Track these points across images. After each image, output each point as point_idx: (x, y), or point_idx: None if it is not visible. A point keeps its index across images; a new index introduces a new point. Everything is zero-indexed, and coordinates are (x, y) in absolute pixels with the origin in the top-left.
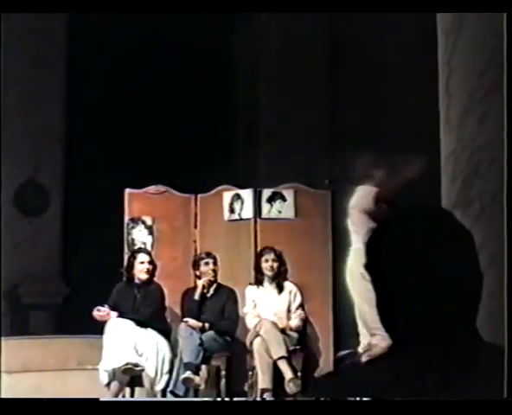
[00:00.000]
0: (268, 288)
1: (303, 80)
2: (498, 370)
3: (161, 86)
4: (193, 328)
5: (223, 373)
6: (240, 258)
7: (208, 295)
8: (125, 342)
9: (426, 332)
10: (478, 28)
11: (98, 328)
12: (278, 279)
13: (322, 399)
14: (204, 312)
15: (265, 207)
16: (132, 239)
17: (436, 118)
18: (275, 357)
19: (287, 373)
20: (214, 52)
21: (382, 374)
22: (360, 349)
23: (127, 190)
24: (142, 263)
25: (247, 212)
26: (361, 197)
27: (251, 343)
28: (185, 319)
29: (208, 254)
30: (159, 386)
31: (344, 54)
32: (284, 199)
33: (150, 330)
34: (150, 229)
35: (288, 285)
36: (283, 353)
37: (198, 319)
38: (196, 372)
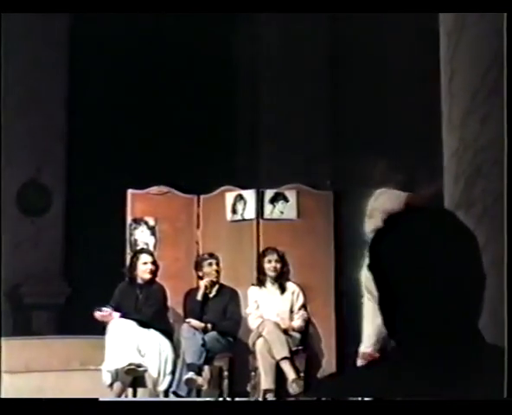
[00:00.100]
0: (271, 289)
1: (304, 80)
2: (498, 370)
3: (162, 87)
4: (195, 328)
5: (226, 373)
6: (243, 259)
7: (211, 295)
8: (128, 343)
9: (429, 333)
10: (481, 27)
11: (100, 328)
12: (281, 280)
13: (324, 399)
14: (206, 313)
15: (268, 207)
16: (135, 240)
17: (438, 118)
18: (278, 358)
19: (290, 374)
20: (214, 52)
21: (384, 375)
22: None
23: (130, 191)
24: (145, 263)
25: (250, 212)
26: (386, 200)
27: (253, 344)
28: (187, 320)
29: (211, 255)
30: (162, 387)
31: (345, 54)
32: (286, 199)
33: (152, 331)
34: (152, 230)
35: (290, 286)
36: (285, 353)
37: (200, 320)
38: (199, 372)
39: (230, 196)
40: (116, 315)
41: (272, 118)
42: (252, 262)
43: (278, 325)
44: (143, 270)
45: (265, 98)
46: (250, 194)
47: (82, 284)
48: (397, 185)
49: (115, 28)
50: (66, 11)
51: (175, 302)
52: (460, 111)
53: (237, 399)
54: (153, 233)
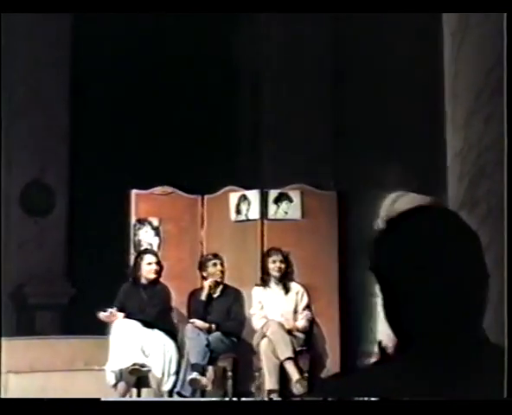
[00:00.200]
0: (275, 289)
1: (306, 80)
2: (499, 370)
3: (165, 87)
4: (199, 329)
5: (230, 374)
6: (247, 259)
7: (215, 296)
8: (132, 343)
9: (433, 333)
10: (485, 27)
11: (104, 328)
12: (285, 280)
13: (329, 399)
14: (211, 313)
15: (272, 207)
16: (139, 240)
17: (442, 118)
18: (282, 358)
19: (294, 374)
20: (216, 52)
21: (389, 374)
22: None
23: (134, 191)
24: (149, 264)
25: (254, 213)
26: (406, 203)
27: (257, 344)
28: (192, 320)
29: (215, 255)
30: (166, 387)
31: (347, 54)
32: (290, 200)
33: (156, 331)
34: (156, 230)
35: (295, 286)
36: (290, 354)
37: (205, 320)
38: (203, 373)
39: (234, 197)
40: (120, 315)
41: (275, 119)
42: (256, 262)
43: (282, 325)
44: (147, 270)
45: (268, 99)
46: (254, 195)
47: (86, 284)
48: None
49: (117, 28)
50: (66, 11)
51: (179, 302)
52: (464, 111)
53: (242, 399)
54: (157, 234)
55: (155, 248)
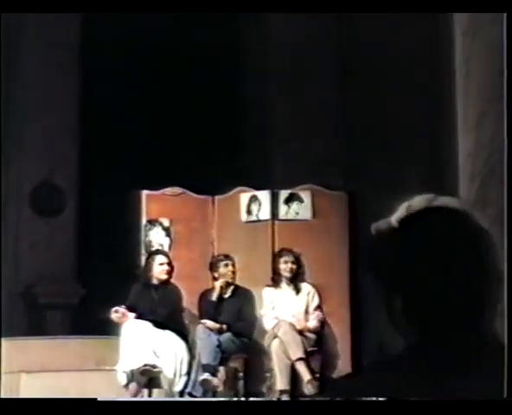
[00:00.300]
0: (286, 289)
1: (316, 80)
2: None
3: (176, 87)
4: (211, 329)
5: (241, 374)
6: (258, 260)
7: (226, 296)
8: (143, 344)
9: (441, 333)
10: (496, 27)
11: (114, 329)
12: (296, 281)
13: (338, 399)
14: (222, 314)
15: (283, 208)
16: (149, 241)
17: (453, 118)
18: (293, 358)
19: (305, 375)
20: (226, 53)
21: (399, 375)
22: None
23: (144, 192)
24: (161, 264)
25: (265, 213)
26: (418, 203)
27: (269, 345)
28: (203, 321)
29: (227, 256)
30: (177, 388)
31: (357, 54)
32: (301, 200)
33: (167, 332)
34: (167, 231)
35: (306, 287)
36: (301, 354)
37: (216, 321)
38: (214, 373)
39: (245, 197)
40: (131, 315)
41: (284, 119)
42: (267, 263)
43: (293, 326)
44: (159, 271)
45: (278, 99)
46: (265, 195)
47: (96, 284)
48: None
49: (127, 29)
50: (66, 11)
51: (190, 302)
52: (475, 112)
53: (251, 398)
54: (168, 234)
55: (166, 249)
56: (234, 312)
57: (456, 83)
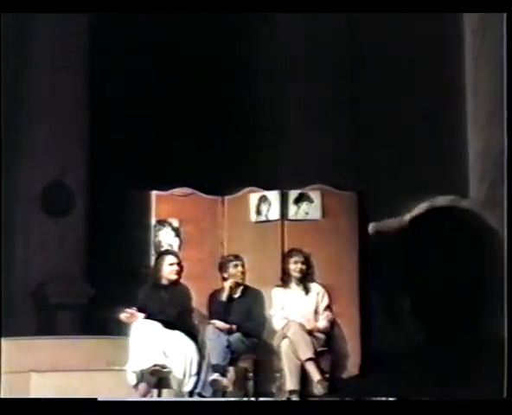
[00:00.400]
0: (295, 289)
1: (325, 81)
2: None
3: (185, 88)
4: (220, 330)
5: (250, 374)
6: (267, 260)
7: (235, 297)
8: (153, 344)
9: (450, 333)
10: (506, 26)
11: (124, 329)
12: (306, 281)
13: (348, 399)
14: (231, 314)
15: (292, 208)
16: (159, 241)
17: (463, 118)
18: (303, 359)
19: (315, 375)
20: (235, 53)
21: (409, 374)
22: None
23: (154, 192)
24: (171, 264)
25: (274, 213)
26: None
27: (278, 345)
28: (212, 321)
29: (236, 257)
30: (187, 388)
31: (366, 54)
32: (310, 200)
33: (177, 332)
34: (176, 231)
35: (315, 287)
36: (310, 354)
37: (225, 321)
38: (224, 374)
39: (254, 197)
40: (140, 316)
41: (294, 119)
42: (276, 263)
43: (302, 326)
44: (169, 271)
45: (287, 99)
46: (274, 195)
47: (105, 284)
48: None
49: (137, 29)
50: (67, 11)
51: (199, 303)
52: (485, 111)
53: (261, 399)
54: (177, 235)
55: (175, 249)
56: (244, 312)
57: (466, 83)
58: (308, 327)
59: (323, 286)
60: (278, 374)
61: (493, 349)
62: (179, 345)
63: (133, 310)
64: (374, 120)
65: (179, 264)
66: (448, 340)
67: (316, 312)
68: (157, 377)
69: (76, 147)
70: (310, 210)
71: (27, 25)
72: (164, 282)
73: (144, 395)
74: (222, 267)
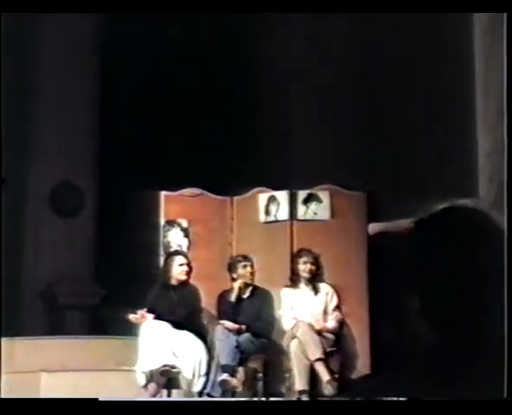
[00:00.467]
0: (304, 290)
1: (335, 81)
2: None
3: (194, 88)
4: (229, 330)
5: (260, 375)
6: (276, 260)
7: (244, 297)
8: (162, 344)
9: (456, 332)
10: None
11: (133, 329)
12: (315, 281)
13: (357, 399)
14: (240, 314)
15: (301, 208)
16: (168, 242)
17: (473, 118)
18: (312, 359)
19: (324, 375)
20: (245, 53)
21: (419, 374)
22: None
23: (163, 193)
24: (180, 265)
25: (283, 213)
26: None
27: (287, 345)
28: (221, 321)
29: (245, 257)
30: (196, 388)
31: (375, 55)
32: (319, 200)
33: (186, 332)
34: (185, 231)
35: (324, 287)
36: (320, 354)
37: (234, 321)
38: (233, 374)
39: (263, 198)
40: (150, 316)
41: (303, 119)
42: (285, 263)
43: (312, 326)
44: (179, 271)
45: (296, 99)
46: (283, 196)
47: (115, 285)
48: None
49: (146, 29)
50: (69, 11)
51: (208, 303)
52: (495, 111)
53: (271, 398)
54: (186, 235)
55: (184, 249)
56: (253, 313)
57: (476, 82)
58: (317, 327)
59: (332, 286)
60: (287, 375)
61: (496, 349)
62: (188, 345)
63: (142, 311)
64: (383, 120)
65: (188, 264)
66: (457, 340)
67: (325, 312)
68: (167, 377)
69: (85, 147)
70: (319, 210)
71: (36, 25)
72: (174, 282)
73: (154, 395)
74: (231, 268)
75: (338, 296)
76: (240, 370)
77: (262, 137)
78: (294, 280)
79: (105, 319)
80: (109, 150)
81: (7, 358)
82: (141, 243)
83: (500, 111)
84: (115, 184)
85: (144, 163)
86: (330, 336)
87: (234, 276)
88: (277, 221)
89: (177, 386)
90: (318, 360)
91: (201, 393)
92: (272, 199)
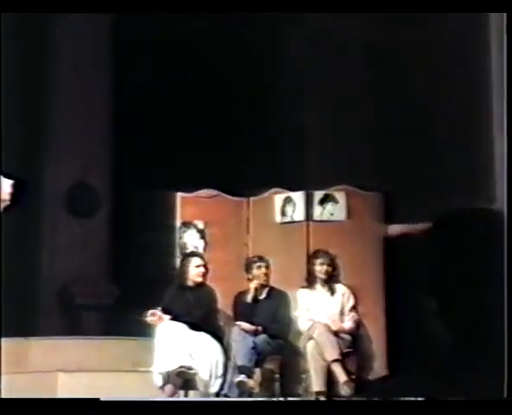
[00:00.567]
0: (320, 291)
1: (350, 81)
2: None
3: (209, 88)
4: (246, 331)
5: (277, 376)
6: (293, 261)
7: (261, 298)
8: (179, 345)
9: (476, 333)
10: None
11: (149, 330)
12: (331, 282)
13: (376, 399)
14: (257, 315)
15: (317, 209)
16: (184, 243)
17: (489, 118)
18: (329, 360)
19: (341, 376)
20: (259, 53)
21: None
22: None
23: (179, 194)
24: (197, 266)
25: (299, 214)
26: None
27: (304, 346)
28: (238, 322)
29: (260, 258)
30: (213, 389)
31: (390, 54)
32: (335, 201)
33: (202, 333)
34: (201, 233)
35: (340, 288)
36: (336, 355)
37: (251, 322)
38: (250, 375)
39: (279, 198)
40: (166, 317)
41: (318, 119)
42: (302, 264)
43: (328, 327)
44: (195, 273)
45: (312, 99)
46: (299, 196)
47: (131, 286)
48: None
49: (163, 28)
50: (68, 12)
51: (224, 304)
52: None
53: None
54: (202, 237)
55: (200, 251)
56: (270, 314)
57: (492, 83)
58: (333, 328)
59: (348, 287)
60: (304, 376)
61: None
62: (205, 346)
63: (159, 313)
64: (399, 120)
65: (205, 266)
66: (477, 340)
67: (341, 313)
68: (183, 378)
69: (101, 148)
70: (335, 211)
71: (52, 25)
72: (190, 284)
73: (171, 396)
74: (247, 268)
75: (355, 297)
76: (257, 371)
77: (278, 137)
78: (310, 281)
79: (121, 320)
80: (125, 151)
81: (24, 357)
82: (157, 244)
83: None
84: (131, 185)
85: (160, 164)
86: (347, 337)
87: (250, 277)
88: (293, 222)
89: (194, 388)
90: (335, 360)
91: (217, 395)
92: (288, 200)
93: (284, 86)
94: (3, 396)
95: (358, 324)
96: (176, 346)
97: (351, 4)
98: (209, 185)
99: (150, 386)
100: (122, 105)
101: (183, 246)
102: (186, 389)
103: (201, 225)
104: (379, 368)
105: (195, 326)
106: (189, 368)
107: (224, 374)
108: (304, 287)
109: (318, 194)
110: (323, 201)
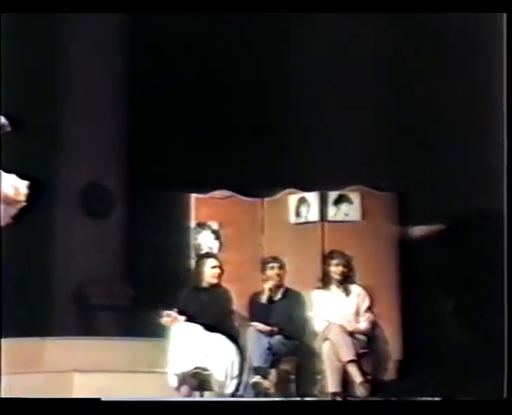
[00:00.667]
0: (336, 291)
1: (363, 80)
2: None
3: (224, 89)
4: (261, 332)
5: (292, 377)
6: (308, 262)
7: (276, 299)
8: (194, 346)
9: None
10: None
11: (164, 331)
12: (346, 283)
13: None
14: (272, 316)
15: (332, 209)
16: (198, 244)
17: (499, 118)
18: (344, 360)
19: (357, 377)
20: (269, 52)
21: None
22: None
23: (193, 195)
24: (213, 267)
25: (314, 215)
26: None
27: (319, 347)
28: (253, 323)
29: (275, 258)
30: (228, 390)
31: (404, 54)
32: (350, 201)
33: (217, 334)
34: (216, 234)
35: (355, 288)
36: (352, 356)
37: (266, 323)
38: (265, 376)
39: (293, 199)
40: (181, 318)
41: (333, 119)
42: (317, 265)
43: (343, 328)
44: (210, 274)
45: (327, 99)
46: (313, 197)
47: (146, 287)
48: None
49: (181, 28)
50: (68, 12)
51: (239, 305)
52: None
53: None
54: (217, 237)
55: (215, 252)
56: (285, 314)
57: (505, 84)
58: (349, 328)
59: (364, 287)
60: (319, 376)
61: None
62: (220, 347)
63: (175, 314)
64: (413, 121)
65: (220, 267)
66: (495, 340)
67: (356, 314)
68: (199, 379)
69: (116, 149)
70: (350, 211)
71: (66, 24)
72: (205, 285)
73: (186, 397)
74: (262, 269)
75: (370, 298)
76: (273, 372)
77: (293, 138)
78: (325, 282)
79: (136, 321)
80: (140, 151)
81: (40, 357)
82: (171, 245)
83: None
84: (145, 186)
85: (174, 165)
86: (362, 338)
87: (264, 277)
88: (307, 223)
89: (209, 389)
90: (351, 361)
91: (233, 395)
92: (302, 200)
93: (298, 87)
94: (18, 396)
95: (373, 325)
96: (191, 347)
97: (351, 4)
98: (224, 186)
99: (165, 387)
100: (137, 105)
101: (198, 247)
102: (201, 390)
103: (215, 226)
104: (394, 369)
105: (210, 327)
106: (205, 369)
107: (239, 375)
108: (319, 288)
109: (333, 195)
110: (337, 202)
